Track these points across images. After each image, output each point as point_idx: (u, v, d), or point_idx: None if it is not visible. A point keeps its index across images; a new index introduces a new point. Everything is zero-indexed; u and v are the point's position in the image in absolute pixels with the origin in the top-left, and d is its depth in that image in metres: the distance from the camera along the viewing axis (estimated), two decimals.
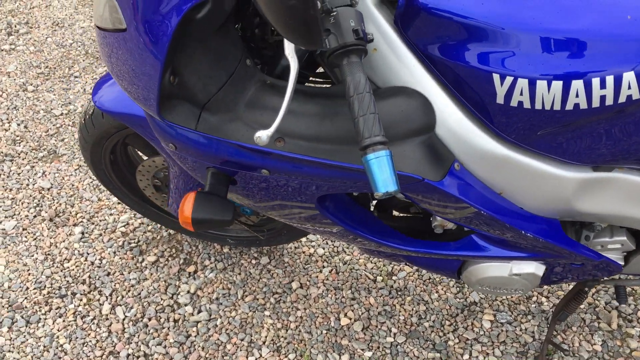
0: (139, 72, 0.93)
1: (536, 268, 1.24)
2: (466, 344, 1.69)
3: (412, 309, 1.77)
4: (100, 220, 1.99)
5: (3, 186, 2.09)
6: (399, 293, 1.82)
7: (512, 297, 1.81)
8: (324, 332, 1.71)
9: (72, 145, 2.27)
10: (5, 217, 1.98)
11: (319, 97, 1.00)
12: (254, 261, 1.90)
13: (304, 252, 1.93)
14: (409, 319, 1.74)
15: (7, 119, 2.36)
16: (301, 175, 1.02)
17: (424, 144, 0.97)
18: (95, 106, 1.40)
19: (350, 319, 1.74)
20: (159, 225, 1.98)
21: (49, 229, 1.95)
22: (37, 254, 1.87)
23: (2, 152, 2.21)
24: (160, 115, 0.97)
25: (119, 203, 2.05)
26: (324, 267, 1.88)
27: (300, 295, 1.80)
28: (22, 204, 2.03)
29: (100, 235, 1.95)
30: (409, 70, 0.97)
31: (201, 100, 0.98)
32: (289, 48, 0.83)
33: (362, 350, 1.66)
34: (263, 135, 0.83)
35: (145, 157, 1.63)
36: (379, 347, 1.67)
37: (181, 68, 0.93)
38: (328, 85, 1.11)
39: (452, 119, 0.97)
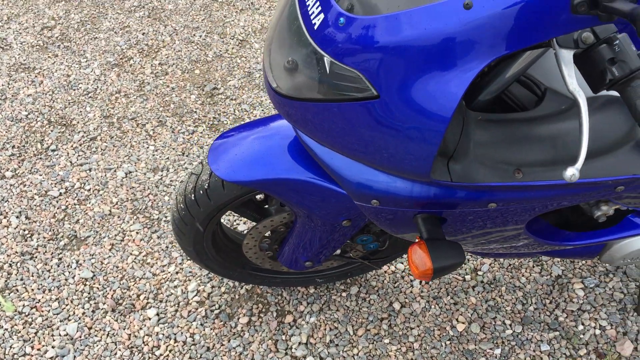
0: (405, 136, 0.93)
1: None
2: (574, 315, 1.83)
3: (512, 298, 1.88)
4: (168, 296, 1.88)
5: (40, 288, 1.89)
6: (492, 286, 1.92)
7: (588, 262, 1.98)
8: (448, 342, 1.77)
9: (91, 225, 2.10)
10: (61, 321, 1.81)
11: (537, 122, 1.06)
12: (344, 294, 1.90)
13: (386, 272, 1.96)
14: (514, 308, 1.85)
15: (2, 214, 2.13)
16: (532, 200, 1.08)
17: (638, 144, 1.07)
18: (222, 179, 1.34)
19: (464, 322, 1.82)
20: (231, 285, 1.91)
21: (117, 321, 1.81)
22: (119, 350, 1.74)
23: (17, 252, 2.00)
24: (429, 176, 0.98)
25: (177, 273, 1.94)
26: (412, 280, 1.93)
27: (406, 314, 1.84)
28: (71, 302, 1.86)
29: (177, 311, 1.84)
30: None
31: (450, 150, 1.00)
32: (572, 84, 0.88)
33: (491, 349, 1.75)
34: (576, 172, 0.87)
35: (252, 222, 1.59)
36: (503, 342, 1.77)
37: None
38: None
39: None
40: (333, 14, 0.94)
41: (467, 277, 1.94)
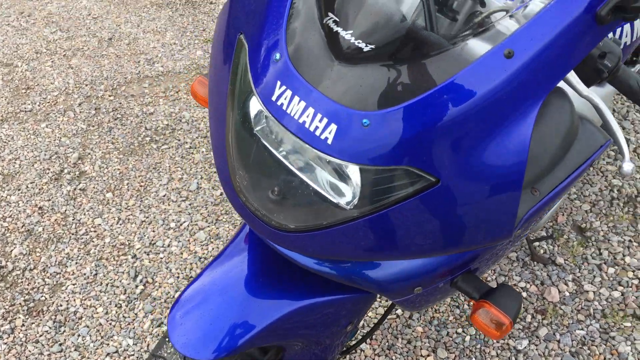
0: (481, 207, 0.87)
1: None
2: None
3: (445, 307, 1.95)
4: None
5: None
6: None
7: None
8: None
9: None
10: None
11: None
12: None
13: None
14: (454, 314, 1.92)
15: None
16: (544, 208, 1.12)
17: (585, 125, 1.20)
18: None
19: (429, 354, 1.81)
20: None
21: None
22: None
23: None
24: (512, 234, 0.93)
25: None
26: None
27: None
28: None
29: None
30: None
31: None
32: (585, 89, 0.93)
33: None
34: (632, 164, 0.92)
35: None
36: (470, 350, 1.82)
37: None
38: None
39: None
40: (350, 119, 0.83)
41: (399, 312, 1.94)
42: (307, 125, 0.85)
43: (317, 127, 0.85)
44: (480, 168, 0.85)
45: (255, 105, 0.95)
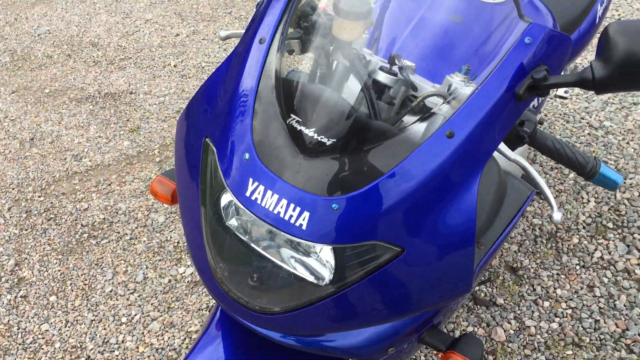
0: (443, 267, 0.98)
1: None
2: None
3: None
4: None
5: None
6: None
7: None
8: None
9: None
10: None
11: None
12: None
13: None
14: None
15: None
16: (492, 255, 1.25)
17: (512, 182, 1.36)
18: None
19: None
20: None
21: None
22: None
23: None
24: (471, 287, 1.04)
25: None
26: None
27: None
28: None
29: None
30: None
31: None
32: (512, 154, 1.08)
33: None
34: (561, 214, 1.07)
35: None
36: None
37: None
38: None
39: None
40: (320, 205, 0.93)
41: None
42: (282, 215, 0.95)
43: (291, 216, 0.94)
44: (438, 233, 0.97)
45: (227, 201, 1.03)
